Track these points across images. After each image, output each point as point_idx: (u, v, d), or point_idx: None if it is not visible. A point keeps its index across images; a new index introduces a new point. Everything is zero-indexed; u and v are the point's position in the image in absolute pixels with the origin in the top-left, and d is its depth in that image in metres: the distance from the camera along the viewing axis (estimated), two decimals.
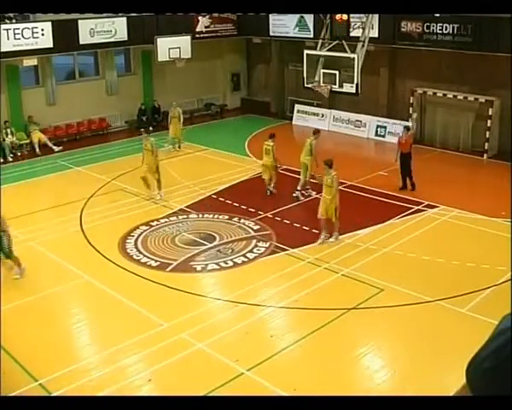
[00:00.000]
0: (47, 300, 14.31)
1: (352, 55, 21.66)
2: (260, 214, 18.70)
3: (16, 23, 24.95)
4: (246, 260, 16.00)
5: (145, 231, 17.87)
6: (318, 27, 25.56)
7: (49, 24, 25.49)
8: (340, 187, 20.61)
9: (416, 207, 19.05)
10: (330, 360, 11.74)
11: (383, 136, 27.66)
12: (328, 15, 22.53)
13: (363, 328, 12.89)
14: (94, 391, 10.76)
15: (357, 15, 22.54)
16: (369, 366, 11.75)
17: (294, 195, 19.80)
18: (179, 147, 26.08)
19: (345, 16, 21.63)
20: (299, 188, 19.79)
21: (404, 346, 12.24)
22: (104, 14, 26.29)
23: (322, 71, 22.82)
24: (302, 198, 19.79)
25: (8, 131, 26.20)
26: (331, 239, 16.77)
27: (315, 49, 23.63)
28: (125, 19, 27.53)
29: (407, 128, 21.10)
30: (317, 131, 20.05)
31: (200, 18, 30.20)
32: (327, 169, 16.67)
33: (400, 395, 10.30)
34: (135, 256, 16.28)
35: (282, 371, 11.37)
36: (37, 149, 26.37)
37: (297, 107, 31.06)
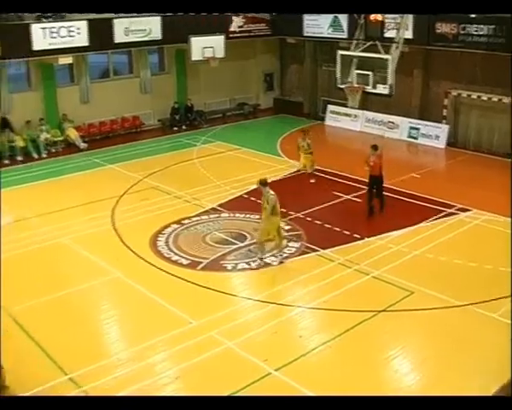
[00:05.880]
0: (78, 295, 14.45)
1: (385, 56, 21.51)
2: (291, 215, 18.67)
3: (53, 22, 25.20)
4: (276, 259, 15.97)
5: (176, 229, 17.94)
6: (352, 28, 25.47)
7: (85, 23, 25.74)
8: None
9: (449, 211, 18.86)
10: (359, 362, 11.68)
11: (416, 138, 27.47)
12: (363, 16, 22.42)
13: (393, 331, 12.78)
14: (122, 387, 10.86)
15: (392, 16, 22.39)
16: (397, 369, 11.65)
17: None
18: None
19: (379, 17, 21.49)
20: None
21: (433, 350, 12.11)
22: (138, 14, 26.45)
23: (356, 72, 22.70)
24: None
25: (43, 128, 26.54)
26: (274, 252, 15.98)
27: (348, 49, 23.50)
28: (159, 18, 27.68)
29: (374, 148, 18.66)
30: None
31: (233, 18, 30.25)
32: (262, 189, 15.65)
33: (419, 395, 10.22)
34: (166, 254, 16.36)
35: (311, 371, 11.35)
36: (82, 144, 26.92)
37: (330, 107, 30.98)
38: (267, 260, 15.81)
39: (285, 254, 16.12)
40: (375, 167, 18.36)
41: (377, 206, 18.76)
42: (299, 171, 22.28)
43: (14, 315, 13.37)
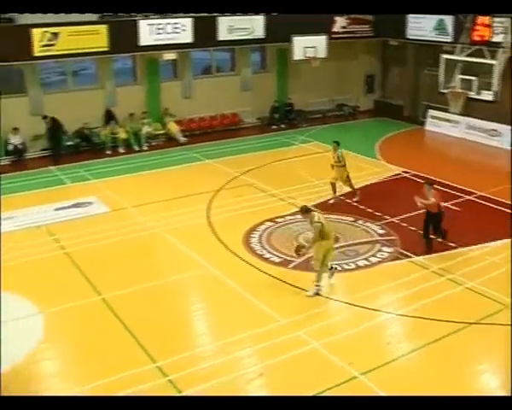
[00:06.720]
0: (170, 286, 14.82)
1: (491, 62, 21.01)
2: (386, 219, 18.48)
3: (159, 18, 25.84)
4: (368, 263, 15.87)
5: (270, 227, 18.06)
6: (458, 31, 24.95)
7: (190, 20, 26.28)
8: (470, 197, 20.13)
9: None
10: (446, 373, 11.42)
11: None
12: (469, 19, 21.96)
13: (483, 344, 12.43)
14: (206, 379, 11.04)
15: (499, 19, 21.80)
16: (484, 384, 11.36)
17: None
18: None
19: (486, 20, 21.01)
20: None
21: None
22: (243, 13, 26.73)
23: (459, 76, 22.26)
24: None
25: (145, 121, 27.25)
26: (308, 293, 14.20)
27: (453, 53, 23.06)
28: (262, 17, 27.90)
29: (429, 184, 16.60)
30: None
31: (337, 18, 30.13)
32: (305, 216, 14.39)
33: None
34: (258, 251, 16.51)
35: (396, 379, 11.20)
36: (181, 138, 27.63)
37: (430, 112, 30.36)
38: (359, 263, 15.74)
39: (378, 259, 16.01)
40: (432, 204, 16.22)
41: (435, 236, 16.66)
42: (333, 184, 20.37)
43: (108, 301, 13.86)
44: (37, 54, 23.72)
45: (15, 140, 24.95)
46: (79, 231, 17.68)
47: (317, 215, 14.13)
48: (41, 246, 16.85)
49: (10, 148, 24.90)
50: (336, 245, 16.57)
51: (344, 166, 19.91)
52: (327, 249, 14.10)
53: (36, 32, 23.43)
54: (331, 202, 19.88)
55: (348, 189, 20.37)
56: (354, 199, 20.06)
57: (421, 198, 16.33)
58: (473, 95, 22.05)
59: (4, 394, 10.28)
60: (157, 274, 15.38)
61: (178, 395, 10.64)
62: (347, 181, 20.10)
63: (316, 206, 19.44)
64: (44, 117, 25.19)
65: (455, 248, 16.55)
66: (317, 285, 14.14)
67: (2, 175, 23.14)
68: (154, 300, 14.07)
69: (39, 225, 18.32)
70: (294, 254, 14.91)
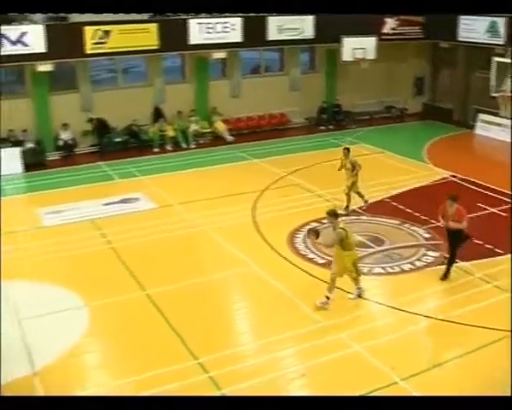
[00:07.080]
0: (214, 283, 14.93)
1: None
2: (433, 223, 18.26)
3: (209, 18, 25.99)
4: (413, 267, 15.71)
5: (315, 227, 17.99)
6: (511, 33, 24.49)
7: (240, 19, 26.37)
8: None
9: None
10: (489, 382, 11.23)
11: None
12: None
13: None
14: (247, 378, 11.09)
15: None
16: None
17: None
18: None
19: None
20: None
21: None
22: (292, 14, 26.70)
23: (511, 80, 21.90)
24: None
25: (193, 119, 27.45)
26: (350, 296, 14.13)
27: (504, 56, 22.67)
28: (312, 17, 27.82)
29: (452, 198, 14.54)
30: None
31: (387, 19, 29.88)
32: (332, 220, 13.84)
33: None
34: (302, 251, 16.51)
35: (437, 386, 11.05)
36: (228, 137, 27.78)
37: (480, 116, 29.83)
38: (403, 267, 15.61)
39: (423, 263, 15.86)
40: (453, 221, 14.54)
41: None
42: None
43: (152, 297, 14.01)
44: (88, 51, 24.12)
45: (65, 136, 25.43)
46: (126, 227, 17.93)
47: (343, 223, 14.06)
48: (88, 240, 17.14)
49: (60, 143, 25.39)
50: (381, 248, 16.56)
51: (356, 174, 19.18)
52: (353, 260, 13.85)
53: (88, 30, 23.83)
54: (364, 208, 19.51)
55: (396, 191, 20.15)
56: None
57: (442, 213, 14.81)
58: None
59: (45, 390, 10.53)
60: (201, 271, 15.49)
61: (219, 393, 10.71)
62: (349, 192, 19.33)
63: (361, 207, 19.39)
64: (90, 119, 25.62)
65: (502, 254, 16.29)
66: (359, 288, 14.10)
67: (53, 170, 23.71)
68: (197, 297, 14.18)
69: (87, 219, 18.63)
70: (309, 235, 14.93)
